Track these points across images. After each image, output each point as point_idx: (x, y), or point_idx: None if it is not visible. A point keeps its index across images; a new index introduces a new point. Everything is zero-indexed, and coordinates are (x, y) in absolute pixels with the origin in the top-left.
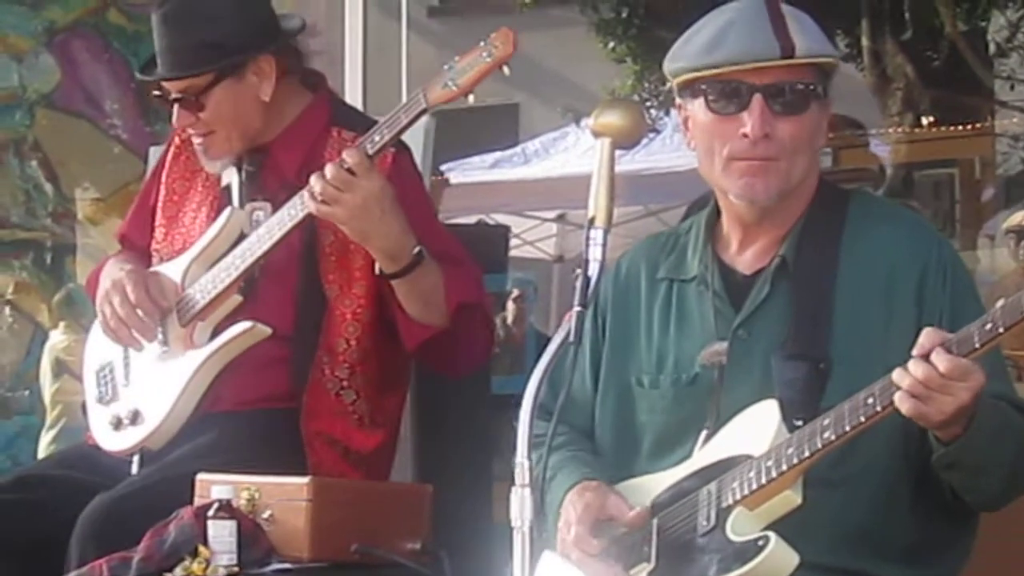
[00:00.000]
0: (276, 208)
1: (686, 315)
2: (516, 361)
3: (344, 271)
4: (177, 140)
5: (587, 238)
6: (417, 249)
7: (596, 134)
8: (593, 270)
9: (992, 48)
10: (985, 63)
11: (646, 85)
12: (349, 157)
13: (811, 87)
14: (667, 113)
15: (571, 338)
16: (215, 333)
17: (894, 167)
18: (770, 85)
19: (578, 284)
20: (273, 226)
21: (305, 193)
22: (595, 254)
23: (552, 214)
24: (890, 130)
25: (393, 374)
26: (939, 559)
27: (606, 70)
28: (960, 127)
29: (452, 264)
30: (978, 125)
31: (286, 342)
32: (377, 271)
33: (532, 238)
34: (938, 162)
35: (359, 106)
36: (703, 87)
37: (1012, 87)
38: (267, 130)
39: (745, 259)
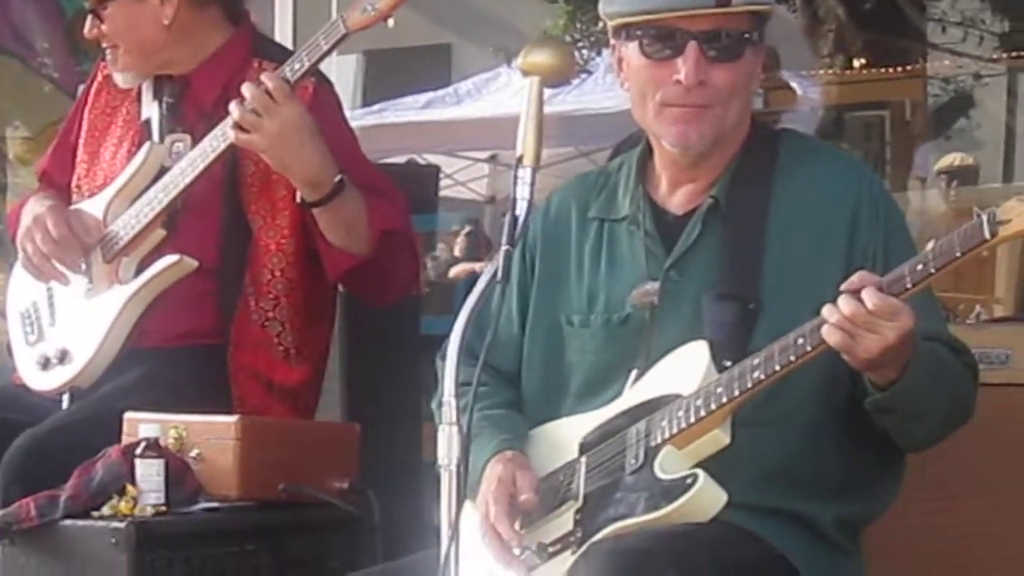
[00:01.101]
0: (196, 140)
1: (617, 255)
2: (446, 301)
3: (267, 202)
4: (100, 76)
5: (515, 177)
6: (339, 178)
7: (525, 73)
8: (521, 209)
9: None
10: (916, 5)
11: (578, 25)
12: (268, 81)
13: (746, 34)
14: (599, 53)
15: (498, 277)
16: (140, 268)
17: (825, 108)
18: (705, 32)
19: (506, 223)
20: (195, 158)
21: (228, 123)
22: (523, 193)
23: (484, 155)
24: (821, 71)
25: (319, 306)
26: (867, 497)
27: (538, 9)
28: (891, 69)
29: (376, 194)
30: (909, 67)
31: (212, 275)
32: (299, 200)
33: (464, 178)
34: (869, 104)
35: (288, 38)
36: (638, 32)
37: (944, 29)
38: (185, 60)
39: (677, 199)
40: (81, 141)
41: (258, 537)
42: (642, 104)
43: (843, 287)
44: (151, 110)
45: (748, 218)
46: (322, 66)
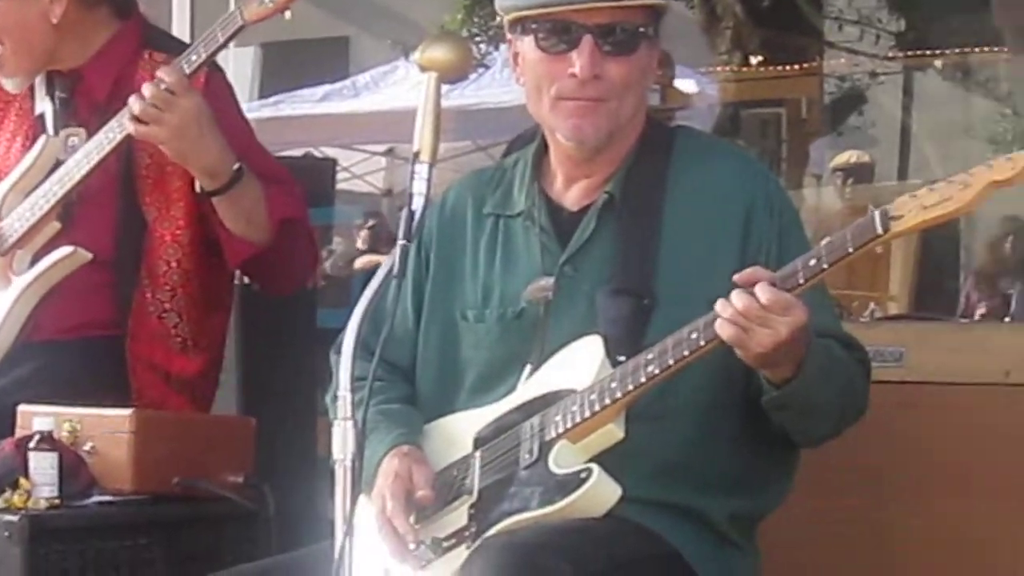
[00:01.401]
0: (91, 133)
1: (512, 250)
2: (343, 294)
3: (162, 193)
4: None
5: (412, 172)
6: (237, 166)
7: (422, 68)
8: (418, 204)
9: None
10: (814, 3)
11: (476, 19)
12: (167, 76)
13: (641, 28)
14: (496, 48)
15: (395, 272)
16: (34, 261)
17: (722, 105)
18: (601, 25)
19: (403, 218)
20: (91, 151)
21: (123, 115)
22: (420, 188)
23: (381, 148)
24: (719, 68)
25: (215, 296)
26: (761, 492)
27: (436, 4)
28: (788, 67)
29: (273, 183)
30: (806, 65)
31: (107, 267)
32: (198, 189)
33: (361, 171)
34: (766, 101)
35: (187, 29)
36: (533, 25)
37: (840, 27)
38: (74, 56)
39: (572, 195)
40: None
41: (152, 531)
42: (537, 98)
43: (736, 279)
44: (44, 105)
45: (642, 214)
46: (219, 58)
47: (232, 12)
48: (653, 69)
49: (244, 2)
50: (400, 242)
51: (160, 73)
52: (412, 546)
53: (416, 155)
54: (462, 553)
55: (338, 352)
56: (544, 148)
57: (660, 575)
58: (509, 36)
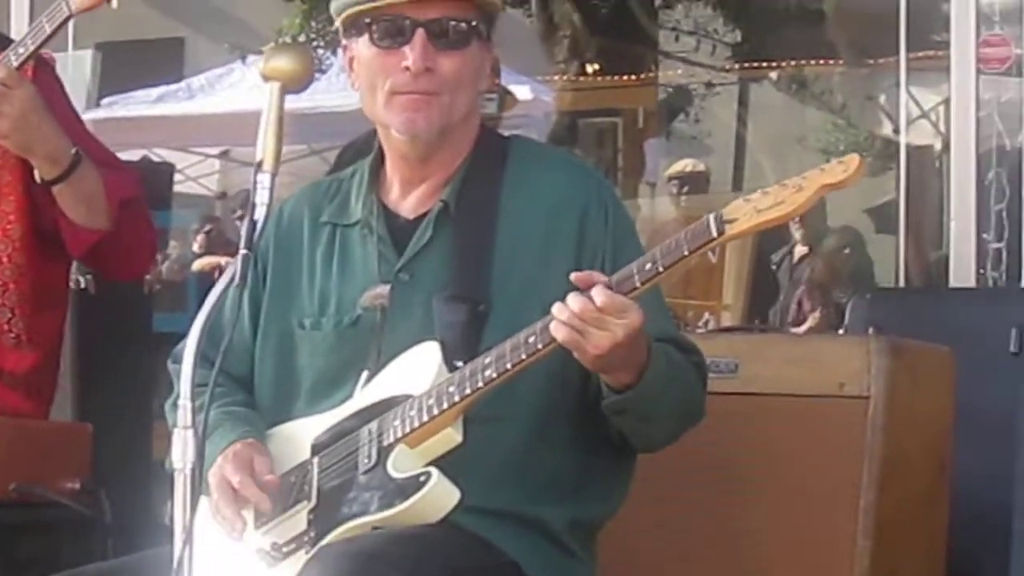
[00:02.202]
0: None
1: (349, 258)
2: (178, 298)
3: None
4: None
5: (254, 182)
6: (75, 151)
7: (266, 78)
8: (260, 214)
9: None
10: (651, 13)
11: (313, 24)
12: None
13: (472, 24)
14: (334, 53)
15: (236, 281)
16: None
17: (558, 114)
18: (432, 20)
19: (244, 228)
20: None
21: None
22: (262, 198)
23: (216, 150)
24: (556, 77)
25: (49, 291)
26: (600, 498)
27: (273, 7)
28: (625, 77)
29: (109, 167)
30: (642, 76)
31: None
32: (38, 179)
33: (195, 174)
34: (602, 111)
35: (25, 24)
36: (367, 21)
37: (677, 38)
38: None
39: (408, 204)
40: None
41: None
42: (372, 96)
43: (573, 278)
44: None
45: (477, 221)
46: (59, 65)
47: (58, 2)
48: (486, 71)
49: None
50: (242, 252)
51: None
52: (265, 508)
53: (259, 164)
54: (301, 558)
55: (176, 361)
56: (381, 159)
57: None
58: (344, 41)
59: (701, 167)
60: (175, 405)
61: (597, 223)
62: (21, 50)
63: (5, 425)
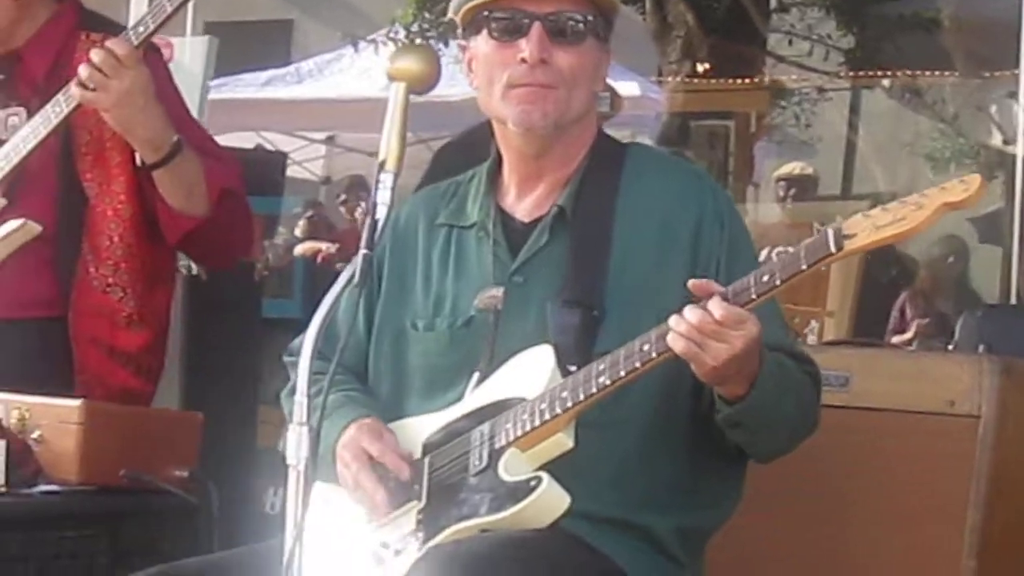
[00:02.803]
0: (30, 113)
1: (464, 260)
2: (285, 285)
3: (102, 169)
4: None
5: (377, 181)
6: (176, 138)
7: (391, 78)
8: (381, 213)
9: (773, 2)
10: (765, 16)
11: (426, 15)
12: (116, 47)
13: (589, 19)
14: (446, 44)
15: (355, 281)
16: None
17: (669, 115)
18: (550, 14)
19: (366, 227)
20: (36, 126)
21: (67, 91)
22: (384, 198)
23: (322, 135)
24: (668, 78)
25: (158, 270)
26: (708, 506)
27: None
28: (738, 80)
29: (210, 155)
30: (755, 79)
31: (49, 243)
32: (139, 163)
33: (300, 158)
34: (715, 113)
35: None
36: (486, 15)
37: (790, 42)
38: (14, 38)
39: (524, 207)
40: None
41: (95, 522)
42: (489, 90)
43: (690, 285)
44: None
45: (593, 227)
46: (176, 48)
47: None
48: (602, 73)
49: None
50: (362, 251)
51: (109, 43)
52: (406, 477)
53: (382, 164)
54: (410, 558)
55: (292, 354)
56: (498, 163)
57: None
58: (463, 42)
59: (810, 171)
60: (290, 396)
61: (712, 232)
62: (141, 28)
63: (117, 413)
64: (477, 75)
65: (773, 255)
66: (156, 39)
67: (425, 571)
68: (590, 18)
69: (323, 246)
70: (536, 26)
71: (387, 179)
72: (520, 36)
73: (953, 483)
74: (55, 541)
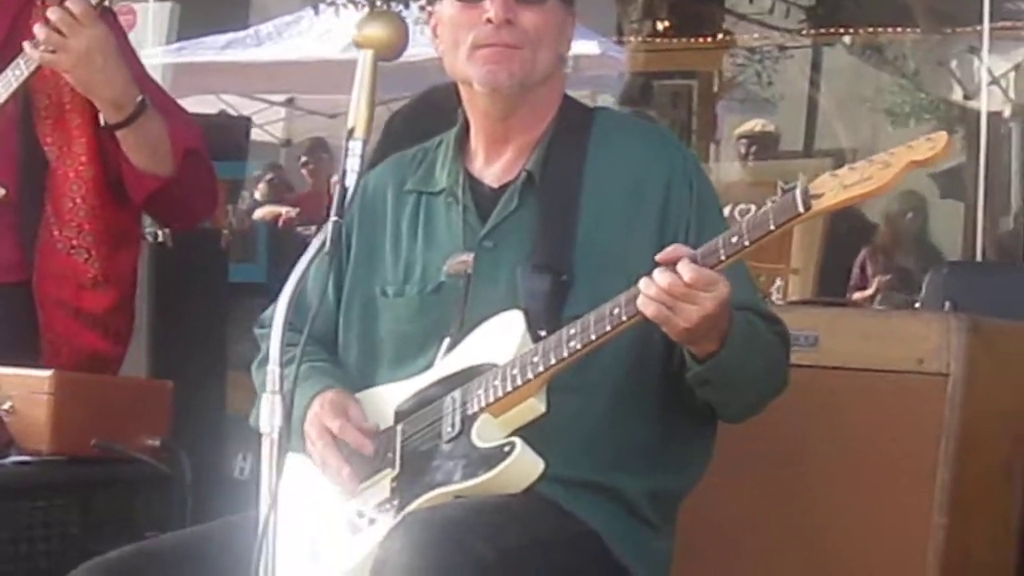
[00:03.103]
0: None
1: (434, 226)
2: (248, 248)
3: (62, 132)
4: None
5: (346, 149)
6: (140, 97)
7: (359, 45)
8: (351, 181)
9: None
10: None
11: None
12: (73, 5)
13: None
14: (406, 7)
15: (326, 248)
16: None
17: (632, 74)
18: None
19: (335, 195)
20: None
21: (24, 55)
22: (353, 165)
23: (281, 98)
24: (630, 37)
25: (122, 232)
26: (679, 469)
27: None
28: (700, 39)
29: (173, 115)
30: (717, 37)
31: (12, 209)
32: (103, 123)
33: (261, 121)
34: (678, 72)
35: None
36: None
37: (751, 1)
38: None
39: (493, 172)
40: None
41: (67, 492)
42: (455, 53)
43: (658, 258)
44: None
45: (561, 192)
46: (140, 14)
47: None
48: (567, 35)
49: None
50: (332, 218)
51: (67, 2)
52: (368, 452)
53: (351, 132)
54: (385, 525)
55: (263, 326)
56: (466, 128)
57: (576, 553)
58: (429, 8)
59: (771, 127)
60: (261, 367)
61: (681, 196)
62: None
63: (88, 382)
64: (442, 39)
65: (736, 214)
66: (119, 6)
67: (400, 538)
68: None
69: (283, 210)
70: None
71: (356, 146)
72: None
73: (922, 441)
74: (27, 511)
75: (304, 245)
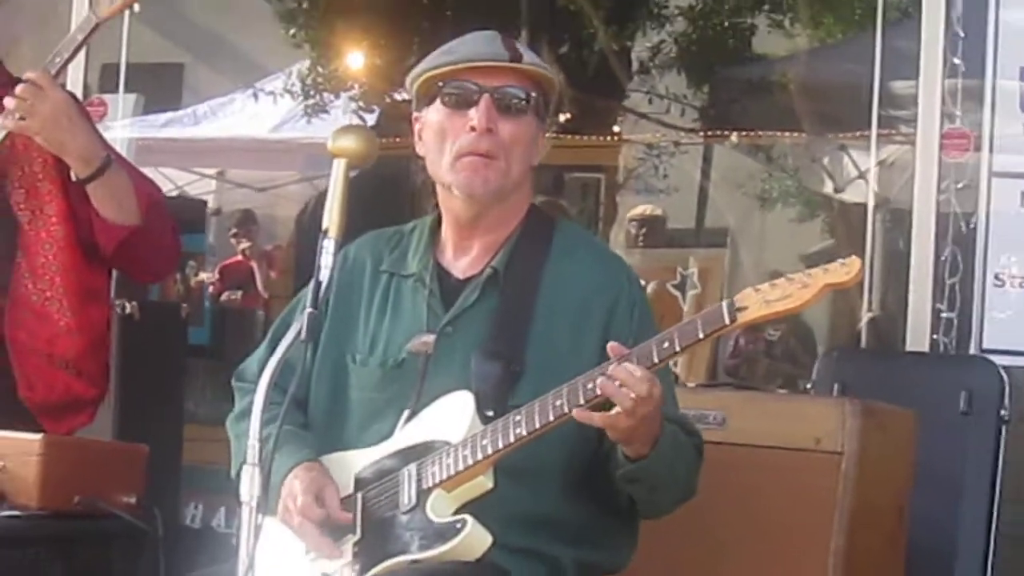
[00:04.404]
0: None
1: (401, 306)
2: (195, 313)
3: (35, 198)
4: None
5: (320, 247)
6: (105, 154)
7: (334, 155)
8: (324, 276)
9: (636, 65)
10: (628, 76)
11: (320, 71)
12: (35, 75)
13: (531, 95)
14: (337, 97)
15: (302, 336)
16: None
17: (544, 167)
18: (497, 88)
19: (311, 288)
20: None
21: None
22: (326, 262)
23: (213, 171)
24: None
25: (93, 288)
26: (606, 547)
27: (279, 44)
28: (607, 137)
29: (132, 172)
30: (621, 135)
31: None
32: (74, 178)
33: (193, 192)
34: (588, 167)
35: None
36: (440, 85)
37: (650, 101)
38: None
39: (460, 265)
40: None
41: (52, 544)
42: (439, 158)
43: (609, 348)
44: None
45: (521, 290)
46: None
47: (88, 15)
48: (539, 148)
49: (96, 3)
50: (308, 310)
51: (29, 74)
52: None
53: (325, 231)
54: None
55: (240, 379)
56: (439, 220)
57: None
58: (416, 113)
59: (659, 211)
60: (238, 421)
61: (624, 314)
62: (58, 60)
63: (72, 444)
64: (426, 143)
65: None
66: (92, 98)
67: None
68: (532, 95)
69: (204, 277)
70: (485, 98)
71: (329, 245)
72: (470, 106)
73: (819, 512)
74: (16, 560)
75: (236, 311)
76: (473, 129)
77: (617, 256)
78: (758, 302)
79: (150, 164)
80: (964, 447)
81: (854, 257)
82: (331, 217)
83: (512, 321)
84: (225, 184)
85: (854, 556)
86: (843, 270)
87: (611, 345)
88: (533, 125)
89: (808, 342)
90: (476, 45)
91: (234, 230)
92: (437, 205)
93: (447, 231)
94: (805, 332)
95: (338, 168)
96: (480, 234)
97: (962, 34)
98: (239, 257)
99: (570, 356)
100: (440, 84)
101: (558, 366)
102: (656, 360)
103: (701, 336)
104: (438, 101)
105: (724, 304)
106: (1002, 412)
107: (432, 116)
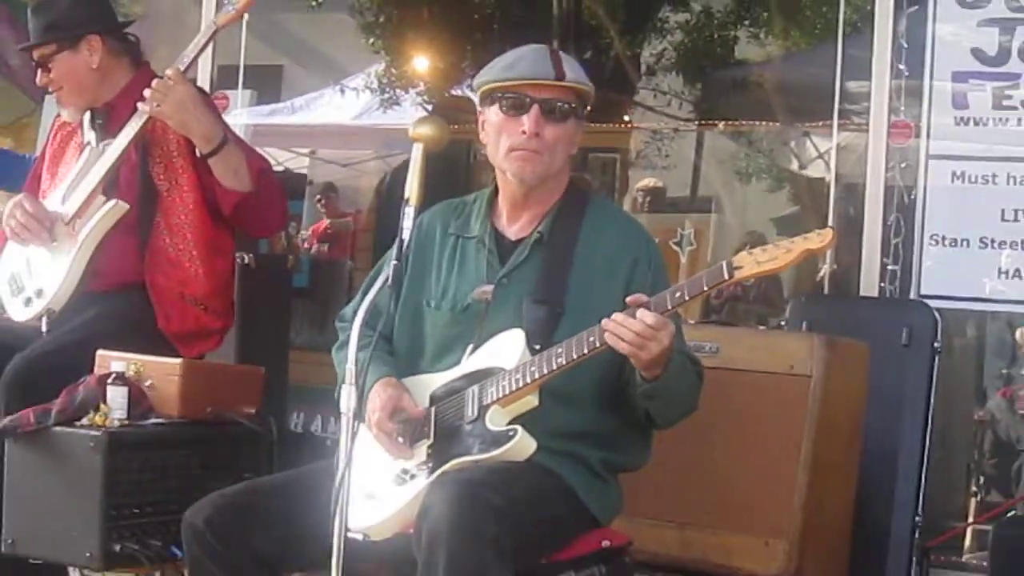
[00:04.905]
0: None
1: (466, 262)
2: (297, 263)
3: (171, 171)
4: (55, 124)
5: (403, 212)
6: (223, 134)
7: (414, 140)
8: (406, 235)
9: (643, 68)
10: (638, 78)
11: (393, 71)
12: (168, 72)
13: (572, 105)
14: (406, 92)
15: (389, 283)
16: None
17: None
18: (545, 99)
19: (396, 244)
20: (120, 141)
21: (139, 106)
22: (408, 224)
23: (307, 151)
24: None
25: (218, 243)
26: (625, 450)
27: (366, 55)
28: (621, 124)
29: (245, 148)
30: (632, 123)
31: (131, 225)
32: (198, 154)
33: (292, 167)
34: (606, 148)
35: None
36: (499, 95)
37: (655, 96)
38: (107, 92)
39: (513, 229)
40: (44, 167)
41: (191, 445)
42: (496, 148)
43: (628, 300)
44: (90, 134)
45: (561, 250)
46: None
47: (211, 22)
48: (576, 141)
49: (217, 14)
50: (393, 262)
51: (165, 73)
52: (401, 440)
53: (407, 200)
54: (422, 482)
55: (342, 320)
56: (495, 192)
57: (558, 501)
58: (480, 109)
59: (660, 184)
60: (339, 350)
61: (643, 269)
62: (186, 59)
63: (202, 366)
64: (487, 135)
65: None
66: (217, 93)
67: (436, 492)
68: (573, 104)
69: (303, 234)
70: (535, 107)
71: (410, 211)
72: (522, 113)
73: (792, 423)
74: (163, 459)
75: (327, 261)
76: (524, 132)
77: (638, 223)
78: (751, 262)
79: (259, 145)
80: (905, 373)
81: (829, 229)
82: (411, 189)
83: (554, 274)
84: (316, 161)
85: (819, 457)
86: (819, 239)
87: (633, 297)
88: (572, 127)
89: (777, 289)
90: (529, 64)
91: (318, 196)
92: (495, 179)
93: (502, 202)
94: (775, 280)
95: (417, 151)
96: (529, 206)
97: (905, 45)
98: (324, 222)
99: (601, 302)
100: (500, 93)
101: (591, 310)
102: (669, 307)
103: (705, 288)
104: (497, 105)
105: (724, 263)
106: (935, 345)
107: (492, 116)
